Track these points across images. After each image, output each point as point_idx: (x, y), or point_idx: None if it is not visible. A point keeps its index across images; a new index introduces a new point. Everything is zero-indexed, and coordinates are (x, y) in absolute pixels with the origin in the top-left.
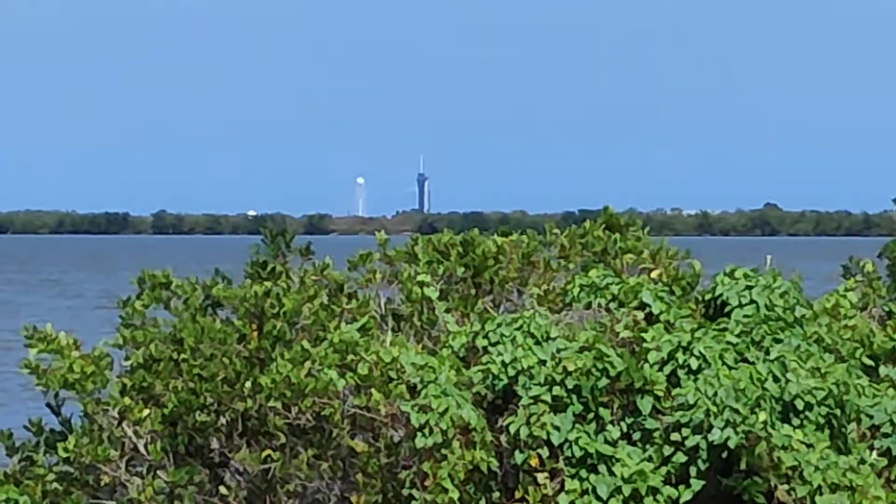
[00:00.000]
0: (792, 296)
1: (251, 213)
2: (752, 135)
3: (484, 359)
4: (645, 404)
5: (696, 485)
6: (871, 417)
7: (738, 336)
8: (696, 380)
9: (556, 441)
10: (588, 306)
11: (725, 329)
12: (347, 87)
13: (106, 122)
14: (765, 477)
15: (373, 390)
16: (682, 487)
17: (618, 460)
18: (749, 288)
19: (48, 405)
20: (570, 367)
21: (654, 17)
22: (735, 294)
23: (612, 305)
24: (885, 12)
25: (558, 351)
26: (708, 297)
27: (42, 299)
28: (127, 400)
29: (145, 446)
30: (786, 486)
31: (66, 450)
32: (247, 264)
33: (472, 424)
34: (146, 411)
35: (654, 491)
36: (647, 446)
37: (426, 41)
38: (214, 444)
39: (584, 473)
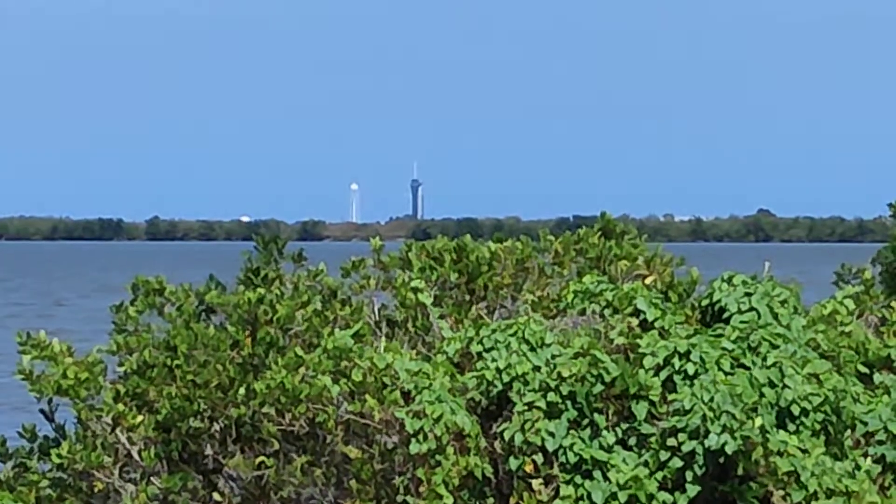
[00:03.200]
0: (791, 304)
1: (245, 218)
2: (745, 140)
3: (478, 365)
4: (640, 410)
5: (692, 490)
6: (865, 424)
7: (734, 342)
8: (692, 385)
9: (550, 447)
10: (582, 313)
11: (721, 335)
12: (341, 93)
13: (99, 127)
14: (761, 482)
15: (367, 396)
16: (677, 493)
17: (613, 466)
18: (748, 295)
19: (42, 411)
20: (565, 373)
21: (647, 25)
22: (734, 301)
23: (607, 312)
24: (878, 16)
25: (553, 357)
26: (705, 303)
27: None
28: (120, 406)
29: (139, 452)
30: (782, 492)
31: (59, 456)
32: (241, 271)
33: (467, 430)
34: (140, 417)
35: (649, 497)
36: (643, 452)
37: (419, 46)
38: (208, 451)
39: (579, 479)
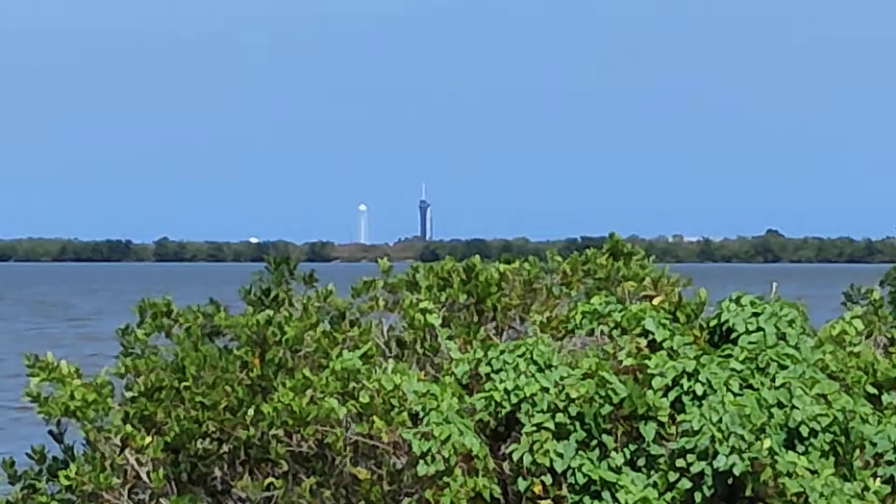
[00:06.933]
0: (799, 324)
1: (253, 240)
2: (753, 161)
3: (486, 386)
4: (648, 430)
5: None
6: (874, 445)
7: (742, 363)
8: (700, 406)
9: (559, 468)
10: (591, 333)
11: (730, 356)
12: (349, 114)
13: (108, 149)
14: (770, 503)
15: (375, 418)
16: None
17: (621, 487)
18: (756, 315)
19: (50, 433)
20: (573, 394)
21: (652, 44)
22: (742, 321)
23: (615, 332)
24: (887, 37)
25: (561, 378)
26: (713, 323)
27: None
28: (129, 428)
29: (147, 474)
30: None
31: (68, 477)
32: (242, 288)
33: (475, 452)
34: (148, 439)
35: None
36: (652, 472)
37: (428, 70)
38: (217, 472)
39: (587, 500)
